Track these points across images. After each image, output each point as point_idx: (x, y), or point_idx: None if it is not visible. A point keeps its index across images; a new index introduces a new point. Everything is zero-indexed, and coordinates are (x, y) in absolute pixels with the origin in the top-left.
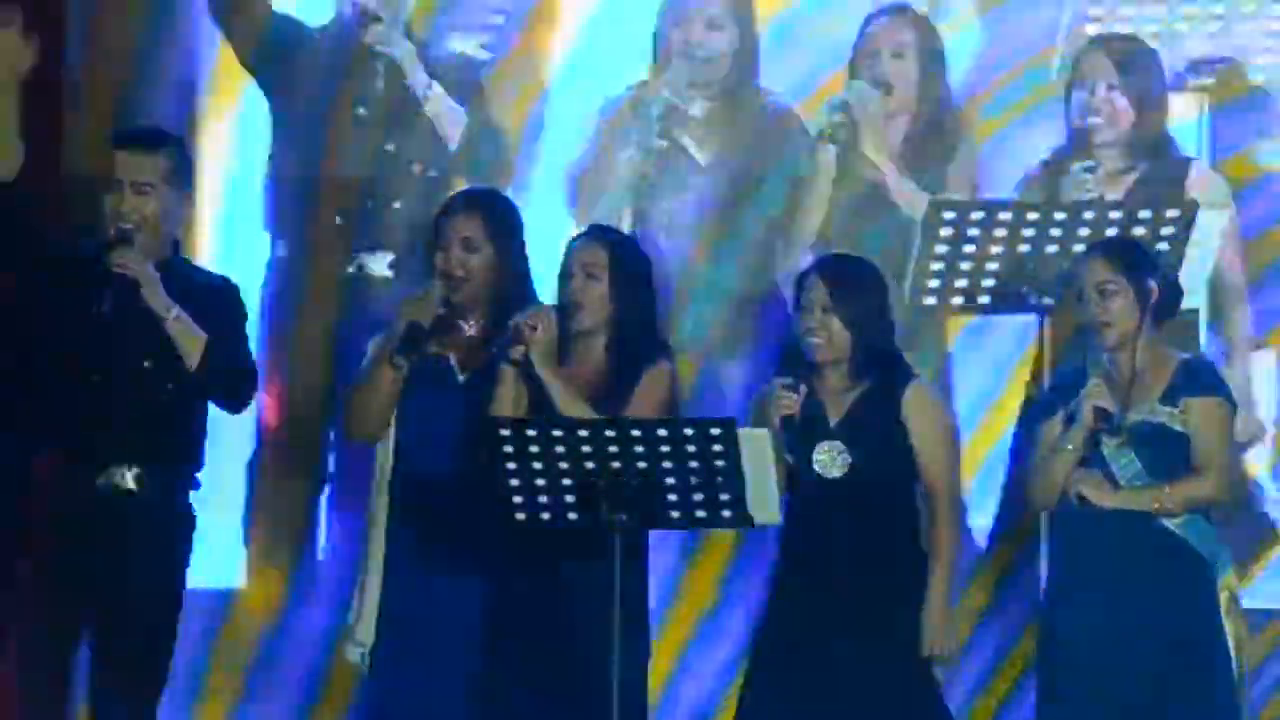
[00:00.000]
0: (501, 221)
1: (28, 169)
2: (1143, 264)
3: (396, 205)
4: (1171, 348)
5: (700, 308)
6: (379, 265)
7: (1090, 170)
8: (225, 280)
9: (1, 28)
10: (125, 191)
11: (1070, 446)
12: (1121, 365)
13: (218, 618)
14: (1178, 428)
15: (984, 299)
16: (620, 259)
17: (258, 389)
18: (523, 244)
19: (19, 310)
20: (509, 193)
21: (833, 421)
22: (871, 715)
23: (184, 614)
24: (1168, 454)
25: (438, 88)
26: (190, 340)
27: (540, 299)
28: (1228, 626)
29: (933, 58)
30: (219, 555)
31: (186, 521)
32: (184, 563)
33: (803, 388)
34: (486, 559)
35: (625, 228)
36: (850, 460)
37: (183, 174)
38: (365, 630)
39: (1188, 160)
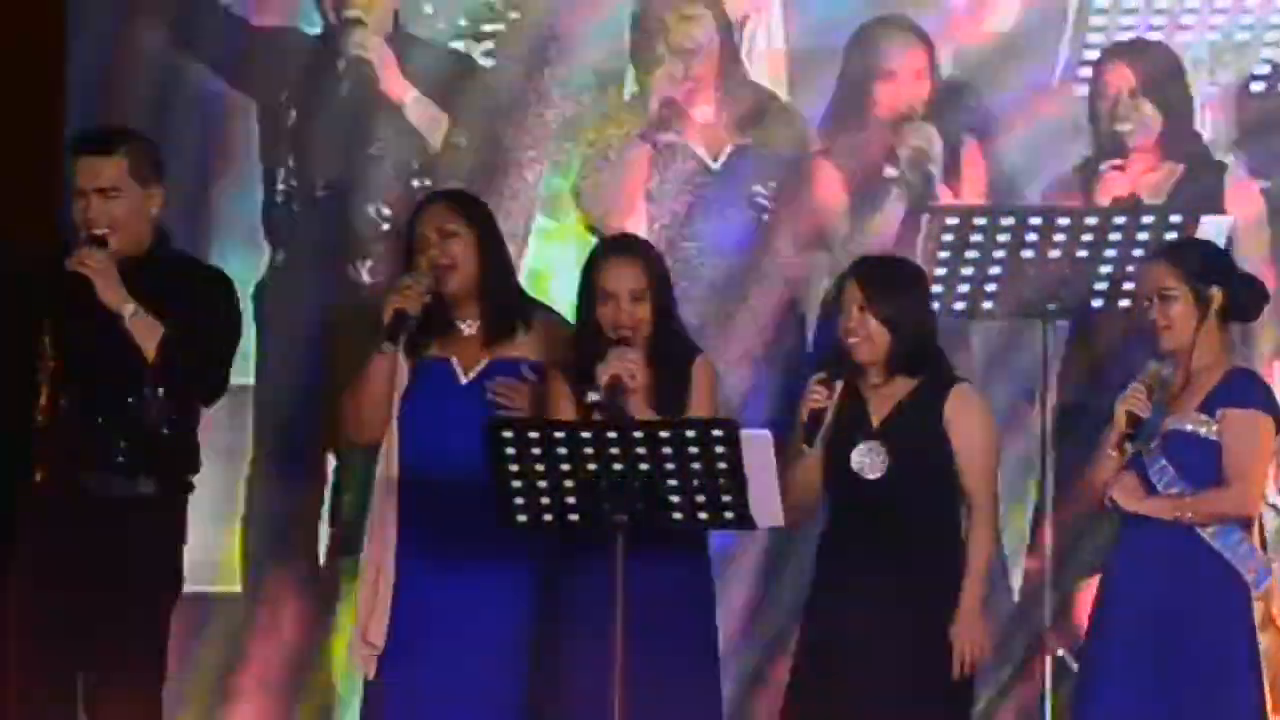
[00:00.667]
0: (473, 208)
1: (28, 175)
2: (1205, 270)
3: (384, 210)
4: (1231, 355)
5: (705, 309)
6: (360, 272)
7: (1120, 169)
8: (217, 272)
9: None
10: (91, 198)
11: (1110, 450)
12: (1177, 371)
13: (215, 622)
14: (1210, 437)
15: (987, 304)
16: (654, 271)
17: (225, 385)
18: (499, 232)
19: (14, 316)
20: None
21: (875, 422)
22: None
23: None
24: (1200, 463)
25: (414, 92)
26: (146, 333)
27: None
28: (1263, 640)
29: (938, 72)
30: (216, 560)
31: (180, 525)
32: (178, 565)
33: (838, 384)
34: (506, 561)
35: (642, 231)
36: (888, 461)
37: (147, 168)
38: (377, 633)
39: (1224, 166)
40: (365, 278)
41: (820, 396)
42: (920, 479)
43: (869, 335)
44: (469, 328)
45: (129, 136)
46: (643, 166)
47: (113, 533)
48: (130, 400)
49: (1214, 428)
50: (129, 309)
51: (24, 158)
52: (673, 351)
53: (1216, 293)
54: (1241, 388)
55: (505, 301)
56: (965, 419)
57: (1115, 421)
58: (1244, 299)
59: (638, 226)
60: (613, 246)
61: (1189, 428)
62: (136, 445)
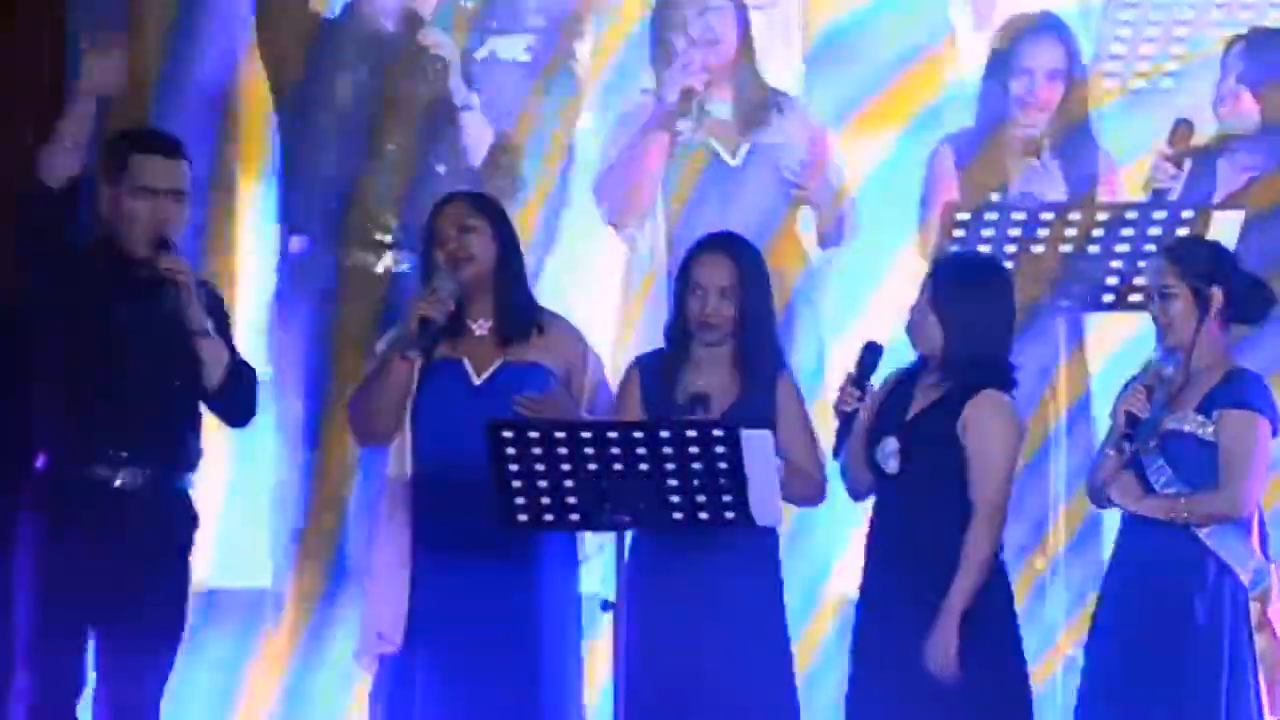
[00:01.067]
0: (491, 206)
1: (31, 171)
2: (1206, 269)
3: (412, 206)
4: (1230, 357)
5: None
6: (389, 263)
7: (1172, 160)
8: (208, 284)
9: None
10: (161, 200)
11: (1108, 450)
12: (1177, 370)
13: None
14: (1207, 438)
15: None
16: (747, 270)
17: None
18: (515, 232)
19: (25, 308)
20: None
21: (908, 416)
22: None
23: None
24: (1198, 463)
25: (475, 99)
26: (217, 356)
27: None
28: (1259, 641)
29: (1079, 69)
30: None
31: (189, 518)
32: (187, 559)
33: (870, 385)
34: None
35: (661, 228)
36: (901, 458)
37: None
38: (394, 630)
39: None
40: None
41: (847, 395)
42: (933, 480)
43: (924, 330)
44: (480, 328)
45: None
46: (659, 160)
47: (123, 525)
48: (147, 396)
49: (1210, 429)
50: (209, 325)
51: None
52: (758, 361)
53: (1216, 292)
54: (1240, 388)
55: (518, 300)
56: (981, 424)
57: (1114, 421)
58: (1247, 300)
59: (655, 223)
60: (708, 242)
61: (1186, 429)
62: (145, 438)
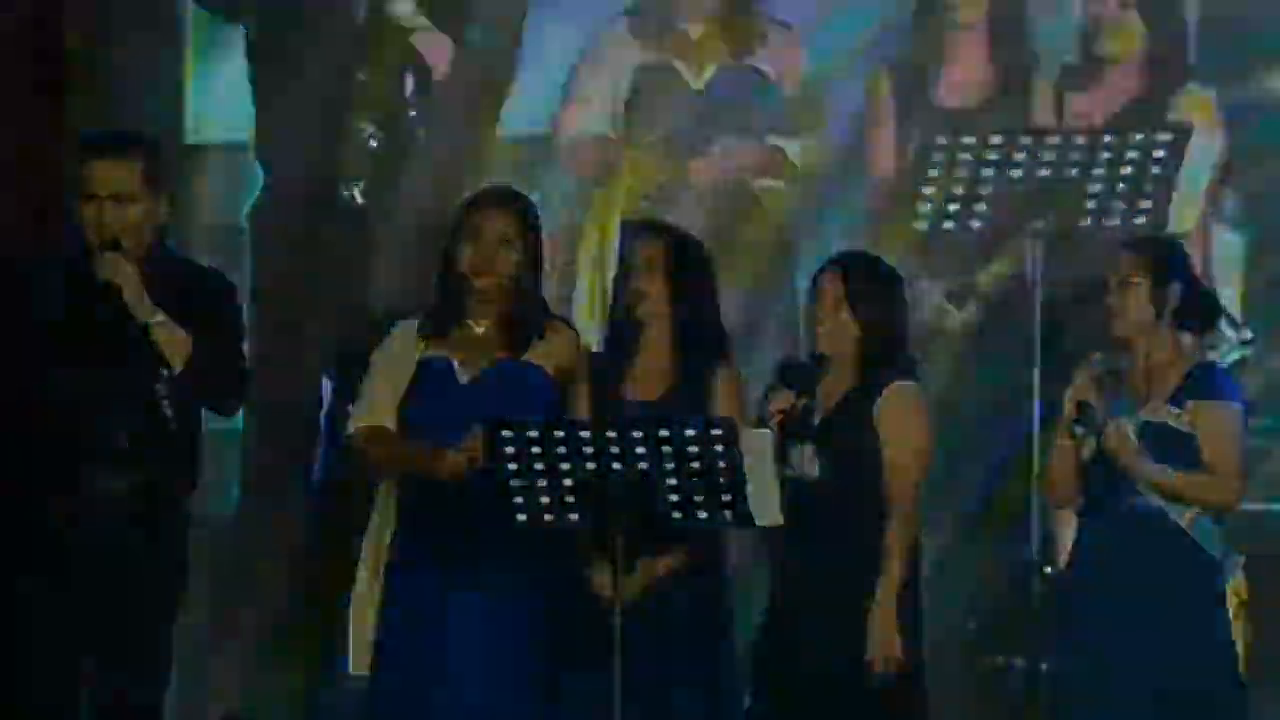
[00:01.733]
0: (532, 217)
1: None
2: (1168, 265)
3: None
4: (1192, 352)
5: None
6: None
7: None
8: (216, 274)
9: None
10: (105, 204)
11: (1063, 440)
12: (1134, 363)
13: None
14: (1181, 428)
15: (976, 223)
16: (679, 254)
17: (248, 390)
18: (542, 246)
19: (13, 316)
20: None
21: (817, 420)
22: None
23: None
24: (1174, 453)
25: (422, 19)
26: (174, 344)
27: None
28: (1236, 630)
29: None
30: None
31: (184, 526)
32: (183, 567)
33: (788, 391)
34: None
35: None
36: (821, 461)
37: (159, 174)
38: (357, 663)
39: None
40: (358, 199)
41: (781, 400)
42: (854, 479)
43: (838, 329)
44: (479, 326)
45: (141, 141)
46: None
47: (118, 529)
48: (138, 398)
49: (1186, 419)
50: (158, 318)
51: (24, 155)
52: (693, 341)
53: (1176, 287)
54: (1209, 381)
55: (528, 311)
56: (895, 416)
57: (1064, 409)
58: (1197, 305)
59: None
60: (643, 226)
61: (1162, 420)
62: (142, 442)
